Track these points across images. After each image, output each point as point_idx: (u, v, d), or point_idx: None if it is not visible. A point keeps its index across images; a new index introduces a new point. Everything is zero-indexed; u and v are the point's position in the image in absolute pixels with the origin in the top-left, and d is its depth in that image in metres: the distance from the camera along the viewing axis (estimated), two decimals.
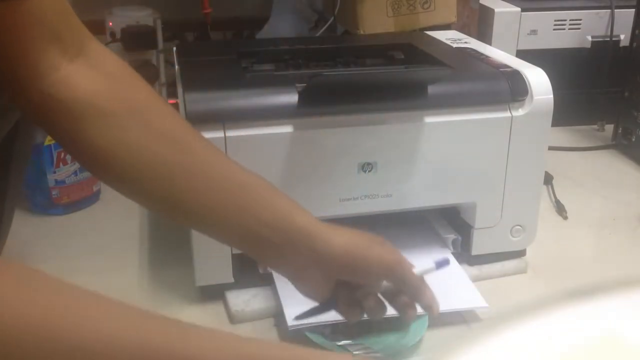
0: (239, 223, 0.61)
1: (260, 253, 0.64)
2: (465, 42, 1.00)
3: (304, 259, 0.62)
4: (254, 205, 0.61)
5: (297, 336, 0.74)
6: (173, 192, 0.60)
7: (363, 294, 0.65)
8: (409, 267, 0.64)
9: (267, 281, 0.82)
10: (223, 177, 0.61)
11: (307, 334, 0.73)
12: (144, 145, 0.58)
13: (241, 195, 0.61)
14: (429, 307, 0.65)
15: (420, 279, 0.65)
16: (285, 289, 0.79)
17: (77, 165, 1.06)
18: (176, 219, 0.65)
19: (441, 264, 0.66)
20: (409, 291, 0.65)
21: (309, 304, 0.77)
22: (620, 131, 1.32)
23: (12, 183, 0.74)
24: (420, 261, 0.87)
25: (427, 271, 0.65)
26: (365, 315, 0.67)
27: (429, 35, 1.07)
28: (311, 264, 0.62)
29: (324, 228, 0.62)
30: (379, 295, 0.66)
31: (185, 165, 0.60)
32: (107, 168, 0.59)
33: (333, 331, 0.76)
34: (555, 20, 1.35)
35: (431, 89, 0.78)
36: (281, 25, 1.40)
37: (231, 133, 0.74)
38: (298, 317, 0.69)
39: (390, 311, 0.76)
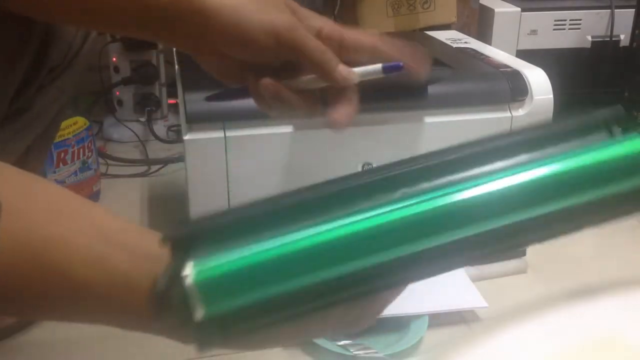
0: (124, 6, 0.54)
1: (150, 29, 0.57)
2: (465, 42, 1.00)
3: (193, 29, 0.54)
4: None
5: None
6: None
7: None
8: (304, 33, 0.52)
9: None
10: None
11: None
12: None
13: None
14: (340, 80, 0.53)
15: (323, 49, 0.52)
16: None
17: (77, 165, 1.06)
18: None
19: (391, 68, 0.53)
20: (310, 65, 0.53)
21: None
22: None
23: None
24: None
25: (371, 73, 0.53)
26: (283, 108, 0.56)
27: (429, 35, 1.07)
28: (201, 35, 0.54)
29: None
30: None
31: None
32: None
33: None
34: (555, 20, 1.35)
35: (431, 89, 0.78)
36: None
37: (231, 133, 0.74)
38: (209, 98, 0.65)
39: (390, 315, 0.76)
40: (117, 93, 1.38)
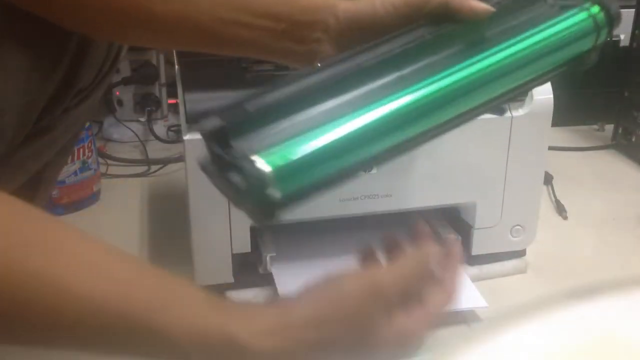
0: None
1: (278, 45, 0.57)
2: None
3: (319, 29, 0.56)
4: None
5: None
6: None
7: None
8: None
9: (267, 281, 0.82)
10: None
11: None
12: None
13: None
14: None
15: None
16: (285, 289, 0.79)
17: (77, 165, 1.06)
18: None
19: None
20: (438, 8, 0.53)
21: None
22: (620, 131, 1.32)
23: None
24: None
25: None
26: None
27: None
28: (325, 34, 0.56)
29: None
30: None
31: None
32: None
33: None
34: None
35: None
36: None
37: None
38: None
39: None
40: (117, 93, 1.38)
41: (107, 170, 1.22)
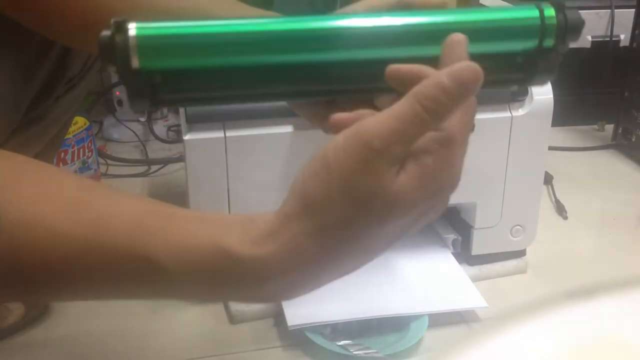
0: None
1: None
2: None
3: None
4: None
5: (297, 336, 0.74)
6: None
7: None
8: None
9: None
10: None
11: (307, 334, 0.73)
12: None
13: None
14: None
15: None
16: None
17: (77, 165, 1.06)
18: None
19: None
20: None
21: (309, 303, 0.77)
22: (620, 131, 1.32)
23: None
24: (420, 262, 0.87)
25: None
26: None
27: None
28: None
29: None
30: None
31: None
32: None
33: (333, 331, 0.76)
34: None
35: None
36: None
37: (231, 133, 0.74)
38: None
39: (390, 315, 0.76)
40: (117, 93, 1.38)
41: (107, 170, 1.22)
